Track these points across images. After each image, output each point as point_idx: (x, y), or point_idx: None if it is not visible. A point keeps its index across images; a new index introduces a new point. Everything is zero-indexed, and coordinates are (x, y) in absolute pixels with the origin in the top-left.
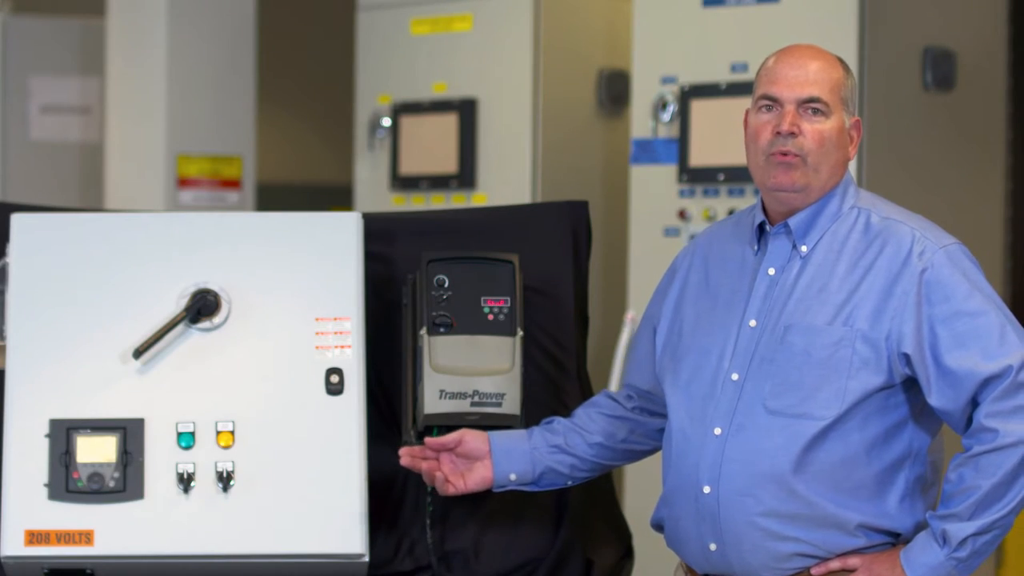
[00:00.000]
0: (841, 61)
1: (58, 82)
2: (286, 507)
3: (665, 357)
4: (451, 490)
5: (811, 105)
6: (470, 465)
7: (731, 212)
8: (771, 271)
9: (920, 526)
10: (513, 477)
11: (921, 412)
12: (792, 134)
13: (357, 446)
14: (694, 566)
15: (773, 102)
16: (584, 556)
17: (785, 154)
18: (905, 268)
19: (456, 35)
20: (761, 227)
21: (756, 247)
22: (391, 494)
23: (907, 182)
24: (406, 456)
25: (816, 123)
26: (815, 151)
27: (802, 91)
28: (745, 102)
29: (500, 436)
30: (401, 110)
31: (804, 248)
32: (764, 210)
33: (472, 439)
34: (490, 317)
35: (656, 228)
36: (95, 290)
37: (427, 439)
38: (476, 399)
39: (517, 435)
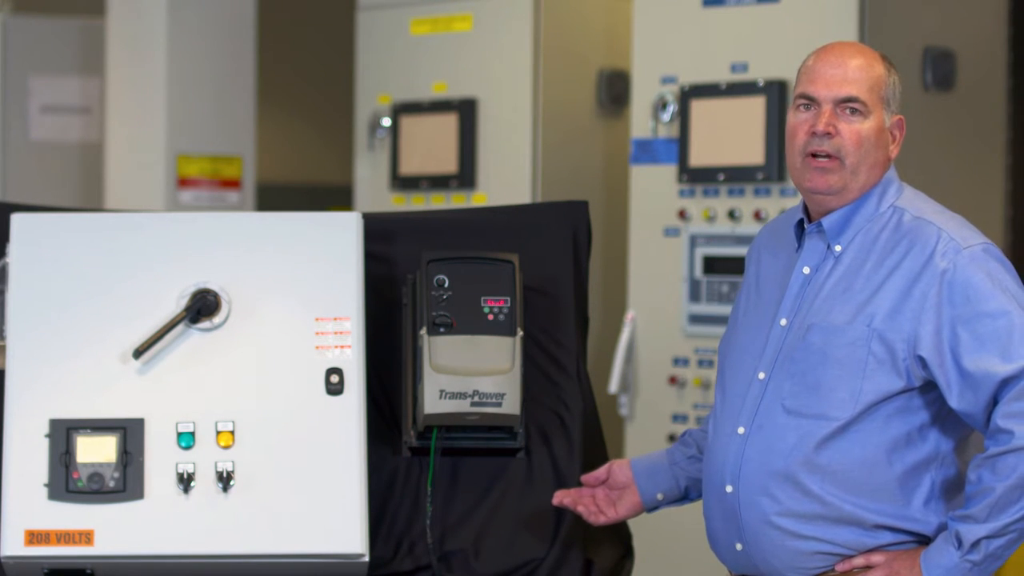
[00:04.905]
0: (884, 58)
1: (58, 82)
2: (286, 507)
3: (720, 354)
4: (602, 519)
5: (849, 105)
6: (620, 494)
7: (731, 212)
8: (806, 270)
9: (944, 528)
10: (660, 496)
11: (947, 414)
12: (828, 134)
13: (357, 446)
14: (727, 565)
15: (811, 101)
16: (584, 556)
17: (821, 156)
18: (926, 269)
19: (456, 35)
20: (800, 225)
21: (797, 245)
22: (391, 494)
23: (907, 182)
24: (566, 497)
25: (854, 123)
26: (853, 152)
27: (840, 90)
28: (745, 102)
29: (641, 460)
30: (401, 110)
31: (838, 248)
32: (805, 207)
33: (618, 469)
34: (490, 317)
35: (656, 228)
36: (95, 290)
37: (583, 476)
38: (476, 399)
39: (657, 455)
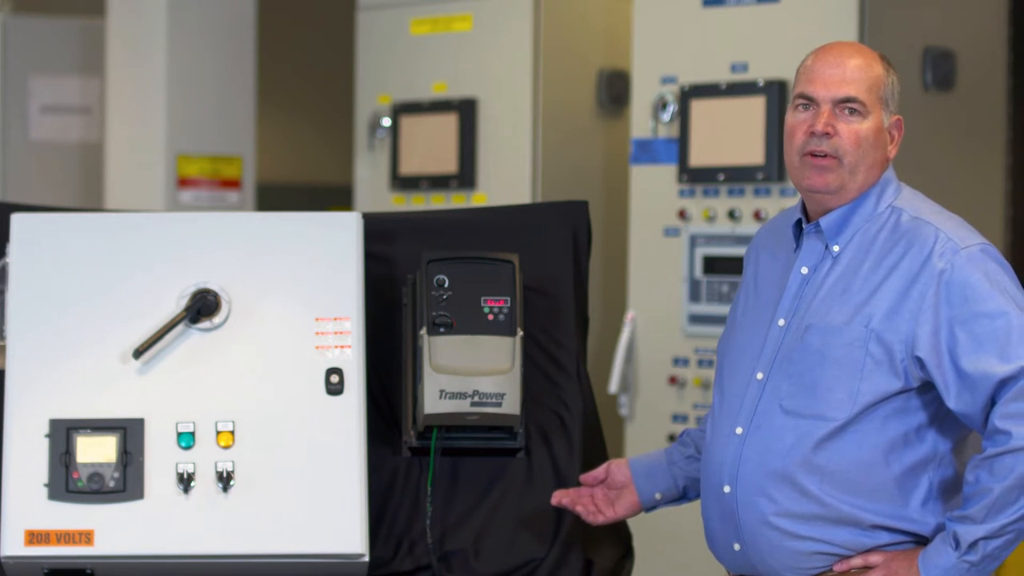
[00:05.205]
0: (883, 58)
1: (58, 82)
2: (286, 507)
3: (718, 354)
4: (601, 519)
5: (848, 105)
6: (619, 494)
7: (731, 212)
8: (804, 270)
9: (942, 528)
10: (658, 496)
11: (945, 415)
12: (826, 135)
13: (357, 446)
14: (725, 566)
15: (809, 101)
16: (584, 556)
17: (819, 155)
18: (924, 269)
19: (456, 35)
20: (799, 225)
21: (795, 245)
22: (391, 494)
23: (907, 182)
24: (565, 497)
25: (853, 123)
26: (851, 152)
27: (838, 90)
28: (745, 102)
29: (639, 459)
30: (401, 110)
31: (836, 248)
32: (803, 207)
33: (616, 469)
34: (490, 317)
35: (656, 228)
36: (95, 290)
37: (581, 476)
38: (476, 399)
39: (655, 455)
